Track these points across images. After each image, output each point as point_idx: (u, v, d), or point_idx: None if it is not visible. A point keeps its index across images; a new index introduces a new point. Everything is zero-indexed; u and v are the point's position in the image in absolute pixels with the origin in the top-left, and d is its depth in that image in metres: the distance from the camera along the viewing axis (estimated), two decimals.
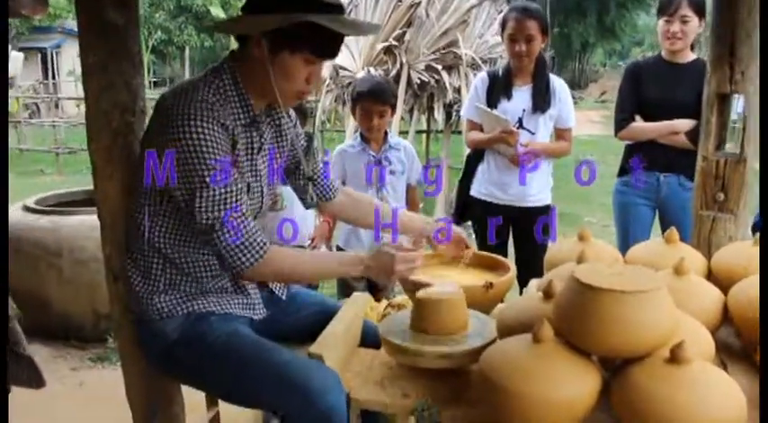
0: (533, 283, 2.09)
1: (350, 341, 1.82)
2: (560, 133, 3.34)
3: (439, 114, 6.79)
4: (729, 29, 2.06)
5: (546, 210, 3.32)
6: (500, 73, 3.30)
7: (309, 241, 3.18)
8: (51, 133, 11.63)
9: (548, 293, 1.58)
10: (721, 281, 1.79)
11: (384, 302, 2.34)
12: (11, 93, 13.20)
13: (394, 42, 6.44)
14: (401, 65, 6.44)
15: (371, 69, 6.21)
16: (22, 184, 8.26)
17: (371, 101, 2.98)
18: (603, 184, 6.58)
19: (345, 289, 3.06)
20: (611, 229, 4.35)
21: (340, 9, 1.62)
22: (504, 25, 3.18)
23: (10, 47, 13.22)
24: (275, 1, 1.54)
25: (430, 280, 1.86)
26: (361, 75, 5.73)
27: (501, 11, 6.33)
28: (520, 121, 3.20)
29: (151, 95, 4.46)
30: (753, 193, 2.16)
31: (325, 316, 1.82)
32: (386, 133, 3.12)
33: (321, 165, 1.99)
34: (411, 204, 3.22)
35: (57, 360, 3.59)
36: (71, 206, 3.99)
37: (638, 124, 3.31)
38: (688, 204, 2.36)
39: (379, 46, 6.42)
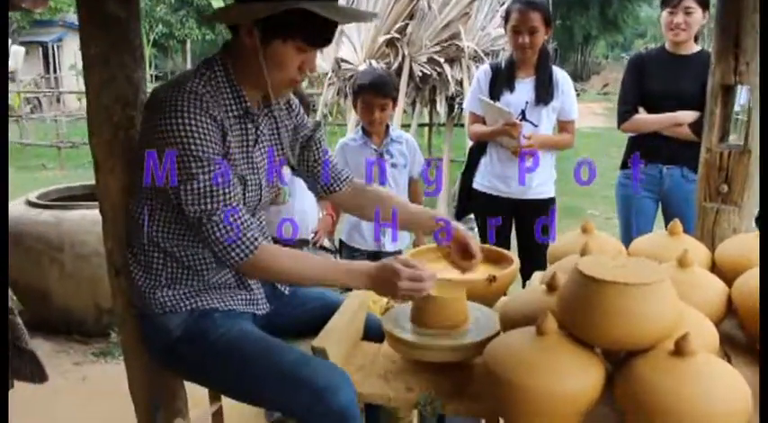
0: (537, 275, 2.09)
1: (353, 335, 1.81)
2: (563, 125, 3.33)
3: (441, 107, 6.76)
4: (734, 20, 2.05)
5: (549, 202, 3.31)
6: (503, 65, 3.29)
7: (312, 235, 3.18)
8: (53, 128, 11.64)
9: (551, 286, 1.57)
10: (725, 273, 1.79)
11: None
12: (12, 87, 13.20)
13: (396, 35, 6.41)
14: (403, 57, 6.41)
15: (373, 62, 6.18)
16: (24, 179, 8.27)
17: (372, 94, 2.97)
18: (606, 177, 6.57)
19: None
20: (614, 222, 4.35)
21: None
22: (507, 17, 3.17)
23: (11, 41, 13.23)
24: None
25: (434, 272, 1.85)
26: (362, 67, 5.71)
27: (503, 3, 6.30)
28: (523, 113, 3.19)
29: None
30: (757, 185, 2.15)
31: (327, 310, 1.81)
32: (387, 126, 3.11)
33: (325, 156, 1.93)
34: (413, 197, 3.21)
35: (59, 355, 3.60)
36: (73, 201, 4.00)
37: (642, 116, 3.30)
38: (691, 196, 2.36)
39: (381, 38, 6.40)
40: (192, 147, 1.50)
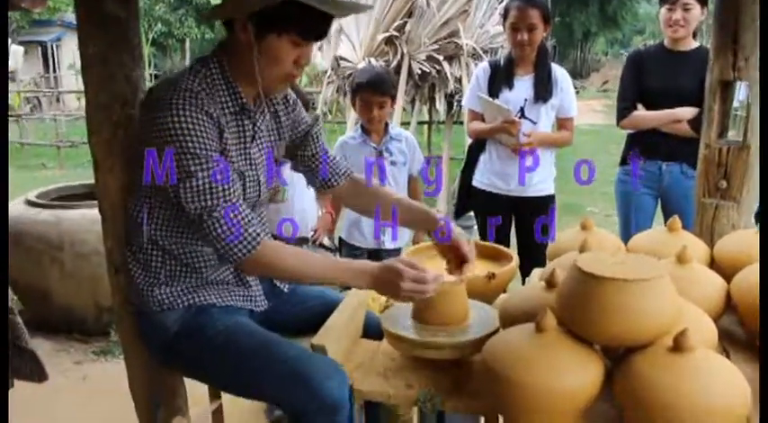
0: (536, 272, 2.09)
1: (352, 332, 1.81)
2: (562, 123, 3.33)
3: (440, 105, 6.76)
4: (733, 15, 2.05)
5: (549, 200, 3.31)
6: (501, 62, 3.29)
7: (312, 233, 3.18)
8: (53, 127, 11.63)
9: (550, 283, 1.57)
10: (724, 269, 1.79)
11: None
12: (12, 87, 13.20)
13: (395, 33, 6.40)
14: (402, 55, 6.41)
15: (372, 60, 6.18)
16: (24, 179, 8.27)
17: (371, 92, 2.97)
18: (606, 174, 6.57)
19: None
20: (613, 219, 4.35)
21: None
22: (506, 14, 3.17)
23: (10, 40, 13.21)
24: None
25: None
26: (361, 65, 5.71)
27: (502, 0, 6.30)
28: (522, 110, 3.19)
29: None
30: (756, 181, 2.15)
31: (327, 307, 1.81)
32: (387, 124, 3.11)
33: (323, 151, 1.92)
34: (413, 195, 3.21)
35: (59, 353, 3.60)
36: (72, 200, 4.00)
37: (641, 113, 3.30)
38: (690, 192, 2.36)
39: (380, 36, 6.39)
40: (190, 144, 1.50)
